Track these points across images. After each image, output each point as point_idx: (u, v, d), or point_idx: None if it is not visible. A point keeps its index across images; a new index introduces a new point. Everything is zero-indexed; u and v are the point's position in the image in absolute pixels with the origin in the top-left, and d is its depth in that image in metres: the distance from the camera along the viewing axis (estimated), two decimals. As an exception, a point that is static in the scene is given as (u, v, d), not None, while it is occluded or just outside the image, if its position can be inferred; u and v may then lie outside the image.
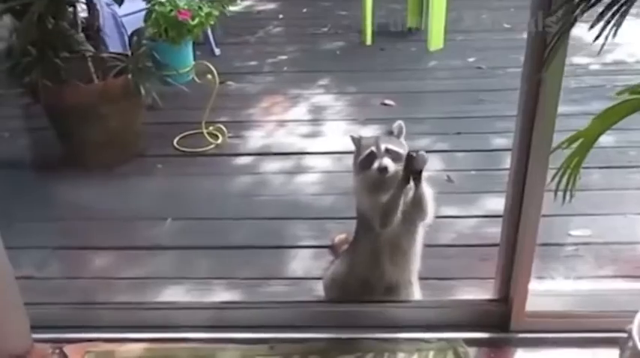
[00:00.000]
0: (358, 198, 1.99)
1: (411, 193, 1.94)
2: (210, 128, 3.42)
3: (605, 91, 3.54)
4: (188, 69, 3.39)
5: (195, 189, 3.07)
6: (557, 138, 1.53)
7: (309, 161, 3.27)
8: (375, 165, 1.88)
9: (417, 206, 1.96)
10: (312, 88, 4.12)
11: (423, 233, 1.99)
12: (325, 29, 5.37)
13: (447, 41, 4.55)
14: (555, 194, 1.50)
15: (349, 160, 1.96)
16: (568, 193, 1.47)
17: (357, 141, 2.03)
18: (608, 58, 4.27)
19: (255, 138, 3.55)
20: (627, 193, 2.84)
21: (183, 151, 3.38)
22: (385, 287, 2.02)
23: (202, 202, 2.93)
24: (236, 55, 4.91)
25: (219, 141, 3.42)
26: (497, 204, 2.22)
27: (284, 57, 4.76)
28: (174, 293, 2.31)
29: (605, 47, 1.14)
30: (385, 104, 3.76)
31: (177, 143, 3.42)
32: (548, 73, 1.60)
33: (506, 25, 4.89)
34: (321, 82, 4.23)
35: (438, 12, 4.31)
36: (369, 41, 4.74)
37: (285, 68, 4.55)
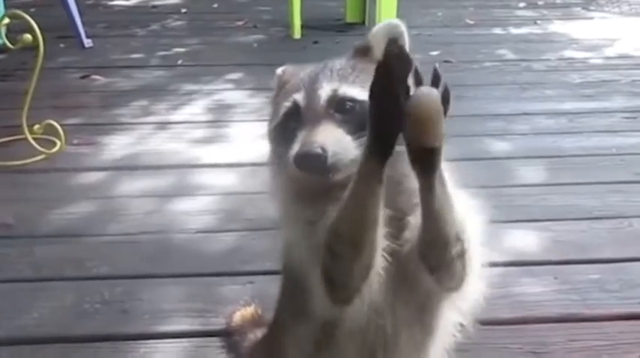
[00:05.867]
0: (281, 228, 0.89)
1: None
2: (36, 127, 2.26)
3: (622, 86, 3.00)
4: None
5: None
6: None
7: (200, 177, 2.14)
8: (294, 149, 0.78)
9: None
10: (215, 83, 3.09)
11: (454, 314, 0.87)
12: (240, 23, 4.17)
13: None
14: None
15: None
16: None
17: (279, 77, 0.92)
18: (608, 52, 3.55)
19: (118, 146, 2.41)
20: None
21: (-12, 165, 2.19)
22: None
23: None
24: (115, 47, 3.60)
25: (55, 148, 2.27)
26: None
27: (180, 49, 3.60)
28: None
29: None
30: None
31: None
32: None
33: (469, 21, 4.31)
34: (231, 77, 3.19)
35: (387, 4, 3.52)
36: (297, 34, 3.76)
37: (180, 61, 3.35)
